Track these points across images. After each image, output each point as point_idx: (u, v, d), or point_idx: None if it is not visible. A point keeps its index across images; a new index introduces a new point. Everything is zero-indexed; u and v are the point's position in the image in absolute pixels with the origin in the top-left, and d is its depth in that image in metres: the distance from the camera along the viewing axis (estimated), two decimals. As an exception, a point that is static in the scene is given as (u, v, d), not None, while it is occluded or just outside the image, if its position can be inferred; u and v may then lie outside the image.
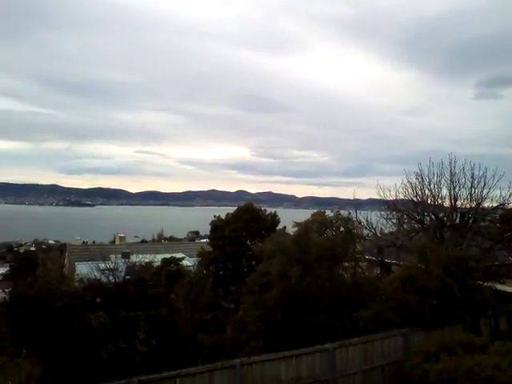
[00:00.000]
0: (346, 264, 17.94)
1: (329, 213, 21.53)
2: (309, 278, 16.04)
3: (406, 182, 20.69)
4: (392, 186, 20.96)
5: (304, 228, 18.65)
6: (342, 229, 19.33)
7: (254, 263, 23.25)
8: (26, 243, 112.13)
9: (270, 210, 30.99)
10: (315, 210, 23.71)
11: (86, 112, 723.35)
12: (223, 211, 31.21)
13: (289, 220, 27.60)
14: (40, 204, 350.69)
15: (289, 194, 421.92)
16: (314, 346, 11.75)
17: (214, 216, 29.95)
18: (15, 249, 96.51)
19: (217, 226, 28.99)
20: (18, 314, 13.62)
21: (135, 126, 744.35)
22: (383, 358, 12.45)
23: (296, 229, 20.06)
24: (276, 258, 16.56)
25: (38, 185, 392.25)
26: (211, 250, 28.66)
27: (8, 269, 58.99)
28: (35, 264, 23.01)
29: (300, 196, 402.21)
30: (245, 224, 27.66)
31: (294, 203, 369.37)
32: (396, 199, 21.04)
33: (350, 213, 20.71)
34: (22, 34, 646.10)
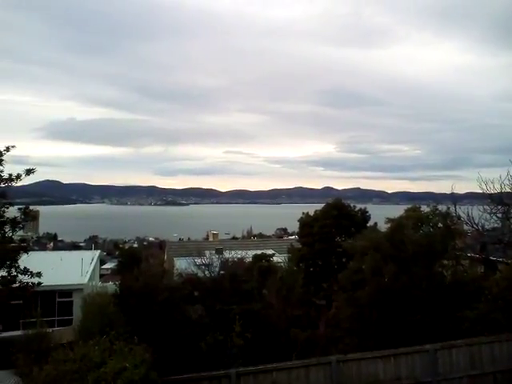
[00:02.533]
0: (446, 262, 16.87)
1: (424, 208, 20.38)
2: (404, 276, 15.36)
3: (512, 173, 18.75)
4: (496, 178, 19.14)
5: (397, 224, 17.89)
6: (439, 225, 18.20)
7: (344, 260, 22.87)
8: (129, 240, 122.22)
9: (358, 207, 30.22)
10: (407, 206, 22.54)
11: (179, 117, 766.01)
12: (310, 208, 31.12)
13: (379, 216, 26.67)
14: (140, 204, 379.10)
15: (378, 189, 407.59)
16: (413, 346, 11.27)
17: (302, 213, 29.94)
18: (121, 245, 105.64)
19: (305, 222, 28.95)
20: (127, 304, 14.91)
21: (224, 128, 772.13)
22: (494, 364, 11.49)
23: (388, 225, 19.32)
24: (368, 255, 16.13)
25: (138, 186, 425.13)
26: (300, 246, 28.73)
27: (116, 263, 64.73)
28: (139, 259, 25.01)
29: (390, 191, 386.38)
30: (334, 220, 27.28)
31: (384, 199, 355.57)
32: (501, 192, 19.23)
33: (448, 208, 19.39)
34: (122, 50, 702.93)
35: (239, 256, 24.48)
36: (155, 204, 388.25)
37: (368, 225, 27.43)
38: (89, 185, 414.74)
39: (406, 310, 14.34)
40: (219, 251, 28.85)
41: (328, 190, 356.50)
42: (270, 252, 30.12)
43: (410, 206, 21.77)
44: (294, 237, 51.02)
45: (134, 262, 26.95)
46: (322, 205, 30.05)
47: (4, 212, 19.71)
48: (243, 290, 19.19)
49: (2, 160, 19.63)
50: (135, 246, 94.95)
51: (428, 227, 18.66)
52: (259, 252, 28.54)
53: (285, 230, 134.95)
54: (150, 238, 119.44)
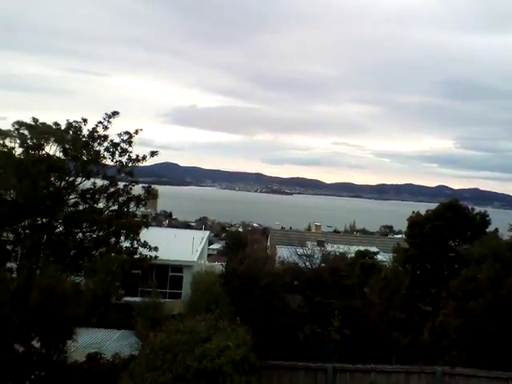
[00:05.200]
0: None
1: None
2: (529, 292, 13.74)
3: None
4: None
5: (525, 233, 16.01)
6: None
7: (456, 266, 21.19)
8: (235, 224, 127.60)
9: (477, 209, 27.59)
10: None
11: (291, 106, 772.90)
12: (420, 207, 29.23)
13: (500, 222, 24.24)
14: (247, 190, 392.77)
15: (500, 192, 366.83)
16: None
17: (413, 212, 28.25)
18: (227, 228, 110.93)
19: (415, 222, 27.26)
20: (232, 285, 15.70)
21: (334, 118, 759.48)
22: None
23: (513, 233, 17.41)
24: (486, 263, 14.72)
25: (245, 173, 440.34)
26: (408, 247, 27.25)
27: (222, 245, 68.22)
28: (244, 244, 26.03)
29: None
30: (447, 222, 25.24)
31: (507, 203, 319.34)
32: None
33: None
34: (241, 39, 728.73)
35: (341, 250, 24.13)
36: (261, 191, 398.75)
37: (487, 230, 24.95)
38: (202, 168, 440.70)
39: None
40: (321, 243, 28.73)
41: (442, 189, 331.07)
42: (373, 249, 29.11)
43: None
44: (400, 236, 48.59)
45: (239, 246, 28.16)
46: (435, 204, 28.01)
47: (131, 189, 22.06)
48: (344, 285, 18.94)
49: (132, 142, 21.96)
50: (240, 230, 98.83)
51: None
52: (362, 248, 27.76)
53: (390, 227, 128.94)
54: (254, 224, 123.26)
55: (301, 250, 23.37)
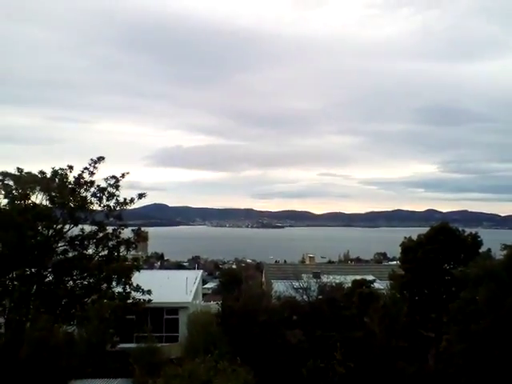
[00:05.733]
0: None
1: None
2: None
3: None
4: None
5: (517, 251, 16.08)
6: None
7: (453, 289, 21.08)
8: (228, 261, 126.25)
9: (467, 231, 27.75)
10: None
11: (274, 141, 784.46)
12: (411, 232, 29.31)
13: (492, 242, 24.40)
14: (238, 226, 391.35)
15: (488, 212, 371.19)
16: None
17: (404, 237, 28.32)
18: (220, 266, 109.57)
19: (408, 247, 27.29)
20: (229, 324, 15.36)
21: (318, 150, 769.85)
22: None
23: (505, 252, 17.46)
24: (484, 284, 14.67)
25: (235, 209, 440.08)
26: (403, 273, 27.12)
27: (216, 283, 67.14)
28: (239, 280, 25.67)
29: (503, 214, 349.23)
30: (440, 246, 25.31)
31: (496, 223, 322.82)
32: None
33: None
34: (222, 79, 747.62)
35: (337, 280, 23.88)
36: (252, 226, 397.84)
37: (480, 251, 25.03)
38: (191, 207, 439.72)
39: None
40: (316, 275, 28.43)
41: (431, 213, 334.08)
42: (369, 278, 28.89)
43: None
44: (394, 262, 48.47)
45: (234, 283, 27.75)
46: (425, 229, 28.12)
47: (120, 233, 21.79)
48: (343, 316, 18.63)
49: (119, 186, 21.90)
50: (234, 266, 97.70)
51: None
52: (358, 277, 27.52)
53: (384, 254, 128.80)
54: (248, 260, 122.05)
55: (297, 284, 23.06)
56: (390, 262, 66.70)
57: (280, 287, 25.43)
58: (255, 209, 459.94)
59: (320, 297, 21.40)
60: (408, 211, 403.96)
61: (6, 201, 20.33)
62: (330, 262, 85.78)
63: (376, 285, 27.38)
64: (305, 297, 21.72)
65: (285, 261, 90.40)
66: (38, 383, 10.49)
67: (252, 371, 9.58)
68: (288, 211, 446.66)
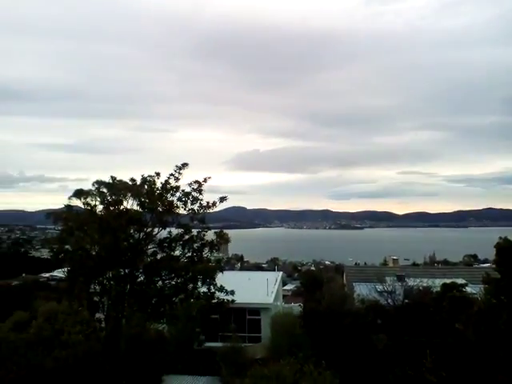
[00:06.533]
0: None
1: None
2: None
3: None
4: None
5: None
6: None
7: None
8: (307, 263, 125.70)
9: None
10: None
11: (351, 140, 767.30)
12: (505, 232, 26.88)
13: None
14: (316, 228, 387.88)
15: None
16: None
17: (500, 237, 26.08)
18: (299, 268, 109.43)
19: (504, 248, 25.12)
20: (312, 326, 15.25)
21: (398, 148, 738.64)
22: None
23: None
24: None
25: (312, 210, 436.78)
26: (499, 276, 24.98)
27: (296, 285, 67.15)
28: (319, 282, 25.42)
29: None
30: (543, 247, 22.96)
31: None
32: None
33: None
34: (298, 82, 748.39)
35: (424, 284, 22.66)
36: (329, 228, 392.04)
37: None
38: (269, 210, 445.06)
39: None
40: (401, 278, 27.22)
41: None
42: (460, 281, 27.01)
43: None
44: (487, 265, 44.92)
45: (314, 285, 27.53)
46: (526, 228, 25.72)
47: (204, 235, 22.69)
48: (431, 322, 17.62)
49: (202, 190, 22.81)
50: (312, 268, 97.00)
51: None
52: (447, 280, 25.85)
53: (474, 256, 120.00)
54: (326, 262, 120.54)
55: (380, 287, 22.26)
56: (481, 265, 61.90)
57: (362, 290, 24.71)
58: (332, 210, 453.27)
59: (406, 301, 20.46)
60: (501, 209, 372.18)
61: (101, 207, 22.17)
62: (414, 264, 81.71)
63: (468, 289, 25.56)
64: (390, 300, 20.90)
65: (365, 263, 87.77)
66: (135, 375, 11.26)
67: (338, 375, 9.40)
68: (367, 211, 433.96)
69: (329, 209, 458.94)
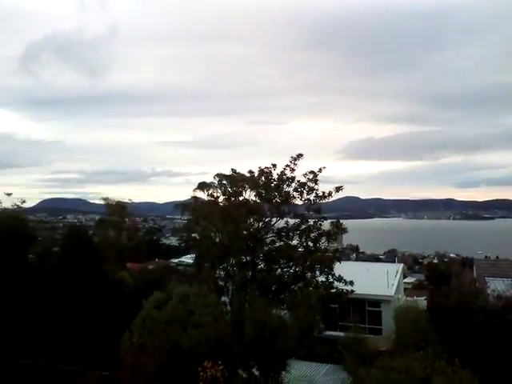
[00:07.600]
0: None
1: None
2: None
3: None
4: None
5: None
6: None
7: None
8: (428, 255, 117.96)
9: None
10: None
11: (478, 122, 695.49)
12: None
13: None
14: (437, 218, 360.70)
15: None
16: None
17: None
18: (420, 260, 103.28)
19: None
20: (440, 322, 14.28)
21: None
22: None
23: None
24: None
25: (433, 200, 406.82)
26: None
27: (416, 279, 63.66)
28: (446, 276, 23.62)
29: None
30: None
31: None
32: None
33: None
34: (412, 64, 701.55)
35: None
36: (454, 218, 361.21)
37: None
38: (384, 199, 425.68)
39: None
40: (545, 274, 23.98)
41: None
42: None
43: None
44: None
45: (440, 279, 25.73)
46: None
47: (320, 225, 22.68)
48: None
49: (317, 180, 22.77)
50: (435, 261, 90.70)
51: None
52: None
53: None
54: (451, 254, 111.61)
55: (521, 282, 19.89)
56: None
57: (498, 286, 22.38)
58: (457, 199, 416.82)
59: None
60: None
61: (222, 198, 23.55)
62: None
63: None
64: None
65: (496, 256, 79.13)
66: (261, 358, 11.80)
67: (476, 376, 8.69)
68: (498, 200, 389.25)
69: (453, 197, 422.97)
